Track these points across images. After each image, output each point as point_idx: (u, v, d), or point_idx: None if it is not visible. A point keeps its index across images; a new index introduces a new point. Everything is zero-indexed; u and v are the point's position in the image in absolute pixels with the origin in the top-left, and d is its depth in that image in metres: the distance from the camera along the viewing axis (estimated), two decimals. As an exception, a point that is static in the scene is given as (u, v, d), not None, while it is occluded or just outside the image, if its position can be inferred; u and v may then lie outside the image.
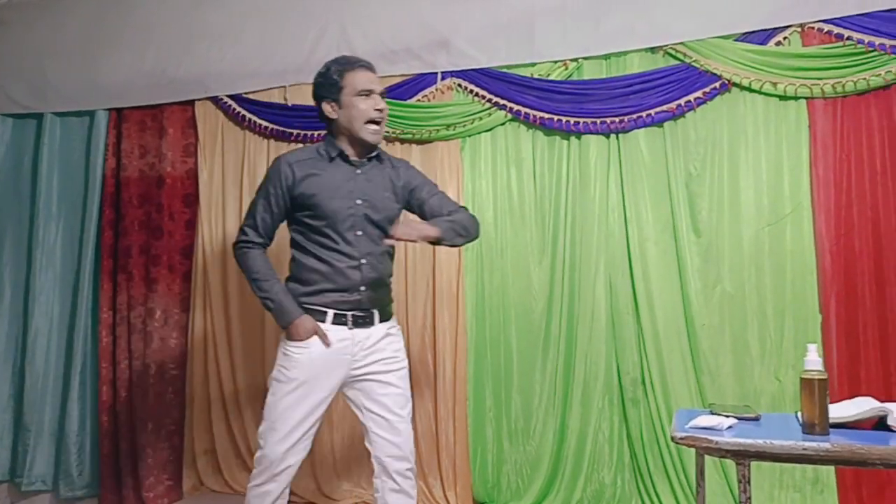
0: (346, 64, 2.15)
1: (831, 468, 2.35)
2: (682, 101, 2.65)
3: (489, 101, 2.89)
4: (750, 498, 1.16)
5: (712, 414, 1.32)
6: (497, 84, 2.88)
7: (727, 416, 1.31)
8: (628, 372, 2.70)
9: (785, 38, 2.55)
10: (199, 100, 3.31)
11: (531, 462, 2.81)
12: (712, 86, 2.61)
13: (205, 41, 3.30)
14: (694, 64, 2.63)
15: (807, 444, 1.14)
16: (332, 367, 2.09)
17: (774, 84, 2.53)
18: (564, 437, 2.76)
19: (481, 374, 2.90)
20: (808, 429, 1.21)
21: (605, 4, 2.76)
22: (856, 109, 2.47)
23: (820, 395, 1.20)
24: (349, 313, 2.10)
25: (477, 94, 2.92)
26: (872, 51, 2.41)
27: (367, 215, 2.13)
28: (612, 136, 2.78)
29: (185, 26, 3.35)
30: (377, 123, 2.13)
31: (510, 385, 2.87)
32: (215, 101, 3.29)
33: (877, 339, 2.40)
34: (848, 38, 2.45)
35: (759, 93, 2.57)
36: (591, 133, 2.79)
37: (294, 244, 2.18)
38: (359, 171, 2.16)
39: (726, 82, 2.60)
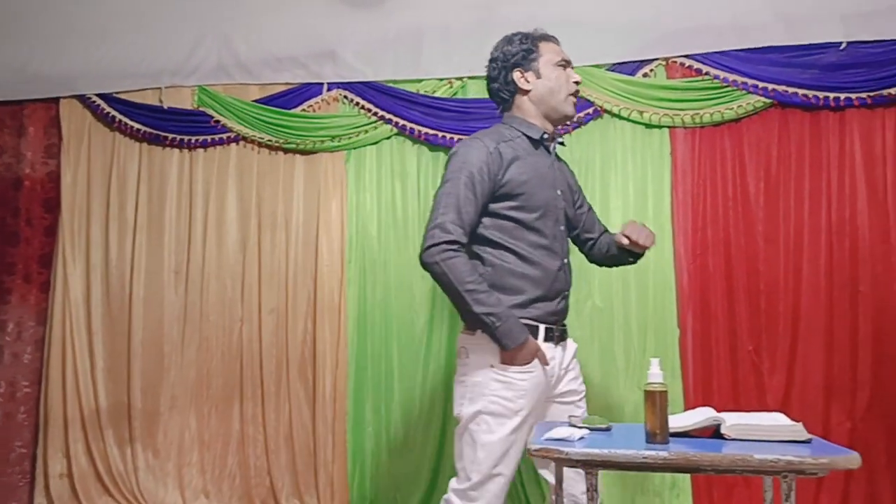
0: (537, 35, 1.95)
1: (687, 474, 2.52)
2: (559, 124, 2.78)
3: (375, 114, 2.90)
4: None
5: (570, 426, 1.39)
6: (383, 98, 2.90)
7: (580, 428, 1.38)
8: (505, 384, 2.77)
9: (651, 70, 2.74)
10: (64, 98, 3.10)
11: (410, 476, 2.80)
12: (586, 111, 2.75)
13: (73, 36, 3.10)
14: (570, 89, 2.77)
15: (647, 452, 1.22)
16: (545, 394, 1.80)
17: (641, 112, 2.70)
18: (443, 450, 2.78)
19: (362, 388, 2.87)
20: (651, 438, 1.29)
21: (490, 28, 2.82)
22: (712, 139, 2.68)
23: (661, 407, 1.28)
24: (555, 326, 1.83)
25: (363, 107, 2.92)
26: (727, 86, 2.64)
27: (563, 209, 1.91)
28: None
29: (51, 19, 3.13)
30: (574, 97, 1.93)
31: (391, 399, 2.86)
32: (82, 99, 3.09)
33: (727, 352, 2.61)
34: (706, 73, 2.66)
35: (628, 120, 2.73)
36: (474, 151, 2.86)
37: (488, 243, 1.81)
38: (552, 157, 1.93)
39: (599, 108, 2.75)
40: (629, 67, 2.75)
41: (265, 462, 2.91)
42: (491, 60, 1.97)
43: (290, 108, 2.97)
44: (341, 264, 2.91)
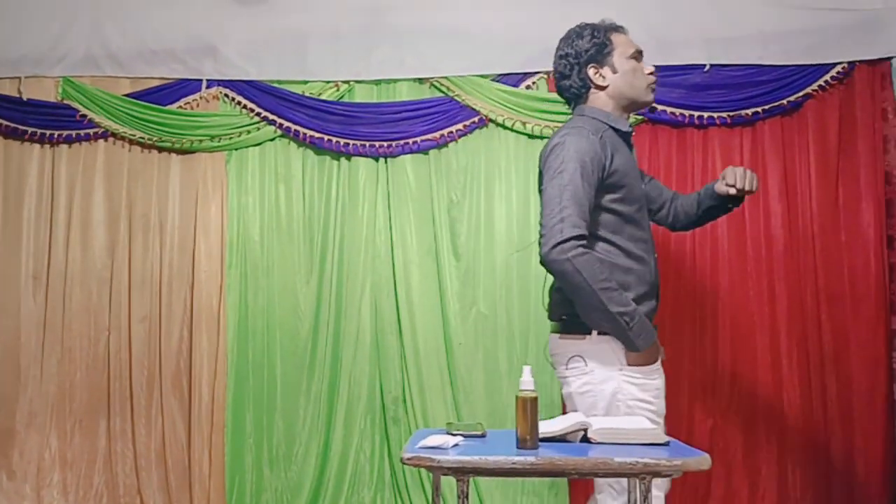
0: (607, 26, 1.85)
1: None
2: (445, 132, 2.81)
3: (258, 114, 2.81)
4: None
5: (448, 434, 1.40)
6: (267, 98, 2.81)
7: (455, 435, 1.40)
8: (390, 391, 2.76)
9: (534, 82, 2.82)
10: None
11: (292, 488, 2.73)
12: (472, 120, 2.80)
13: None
14: (456, 98, 2.80)
15: (516, 458, 1.25)
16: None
17: (524, 123, 2.77)
18: (327, 460, 2.73)
19: (242, 398, 2.77)
20: (521, 444, 1.32)
21: (377, 35, 2.83)
22: (590, 152, 2.80)
23: (531, 413, 1.32)
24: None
25: (245, 107, 2.82)
26: (603, 102, 2.76)
27: (647, 205, 1.87)
28: (381, 159, 2.84)
29: None
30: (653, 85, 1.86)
31: (273, 409, 2.77)
32: (-75, 87, 2.79)
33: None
34: (585, 89, 2.77)
35: (512, 130, 2.80)
36: (361, 155, 2.83)
37: (594, 237, 1.70)
38: (633, 149, 1.88)
39: (484, 118, 2.80)
40: (513, 79, 2.82)
41: (135, 480, 2.74)
42: (561, 57, 1.87)
43: (165, 105, 2.82)
44: (221, 270, 2.79)
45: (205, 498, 2.70)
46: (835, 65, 2.70)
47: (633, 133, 1.90)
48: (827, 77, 2.70)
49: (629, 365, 1.64)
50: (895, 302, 2.63)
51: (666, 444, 1.34)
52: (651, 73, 1.86)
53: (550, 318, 1.82)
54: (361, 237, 2.81)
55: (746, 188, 1.80)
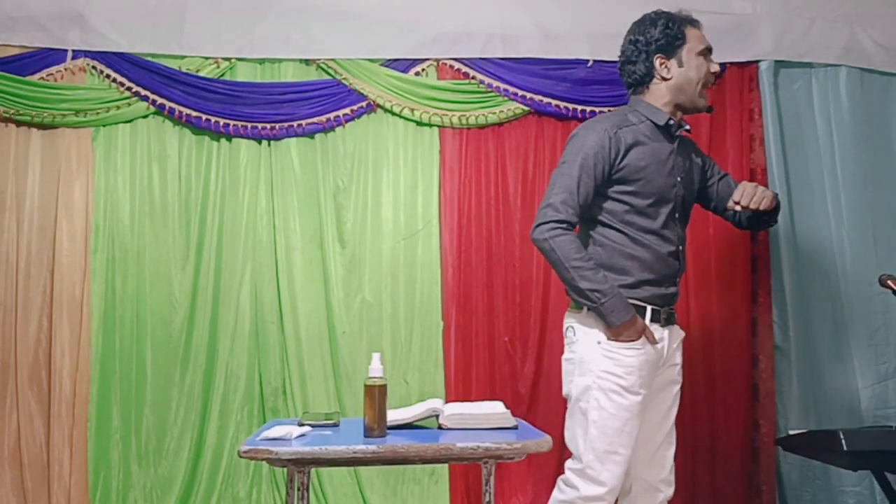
0: (683, 18, 1.87)
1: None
2: (332, 116, 2.74)
3: (129, 89, 2.64)
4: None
5: (297, 424, 1.36)
6: (139, 72, 2.65)
7: (304, 425, 1.36)
8: (270, 381, 2.67)
9: (423, 69, 2.79)
10: None
11: (163, 484, 2.60)
12: (359, 104, 2.74)
13: None
14: (344, 81, 2.74)
15: (357, 447, 1.23)
16: (653, 374, 1.81)
17: (412, 110, 2.74)
18: (200, 454, 2.62)
19: (108, 392, 2.60)
20: (369, 432, 1.31)
21: (262, 9, 2.72)
22: (477, 141, 2.81)
23: (380, 401, 1.30)
24: (663, 309, 1.83)
25: (115, 81, 2.65)
26: (491, 91, 2.77)
27: (684, 196, 1.89)
28: (264, 142, 2.74)
29: None
30: (707, 87, 1.88)
31: (142, 403, 2.63)
32: None
33: (486, 343, 2.75)
34: (473, 77, 2.78)
35: (400, 117, 2.76)
36: (242, 137, 2.72)
37: (599, 224, 1.85)
38: (674, 146, 1.89)
39: (372, 103, 2.75)
40: (402, 65, 2.78)
41: (-14, 481, 2.53)
42: (631, 42, 1.91)
43: (24, 75, 2.60)
44: (85, 254, 2.60)
45: (65, 497, 2.53)
46: (708, 65, 2.83)
47: (683, 129, 1.90)
48: (701, 77, 2.83)
49: (608, 340, 1.77)
50: (757, 291, 2.80)
51: (514, 427, 1.36)
52: (714, 74, 1.89)
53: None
54: (242, 222, 2.70)
55: (752, 206, 1.84)
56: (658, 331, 1.82)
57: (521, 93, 2.76)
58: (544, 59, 2.82)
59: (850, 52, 2.85)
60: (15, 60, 2.63)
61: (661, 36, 1.86)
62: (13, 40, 2.65)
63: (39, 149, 2.63)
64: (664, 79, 1.88)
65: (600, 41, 2.82)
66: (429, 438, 1.28)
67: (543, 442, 1.25)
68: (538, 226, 1.79)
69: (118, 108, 2.64)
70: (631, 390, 1.75)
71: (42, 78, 2.62)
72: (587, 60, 2.82)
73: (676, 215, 1.89)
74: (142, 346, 2.63)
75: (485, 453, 1.21)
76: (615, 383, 1.74)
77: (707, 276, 2.79)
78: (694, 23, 1.92)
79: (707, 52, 1.89)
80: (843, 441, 1.86)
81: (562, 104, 2.78)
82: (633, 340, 1.76)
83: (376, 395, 1.28)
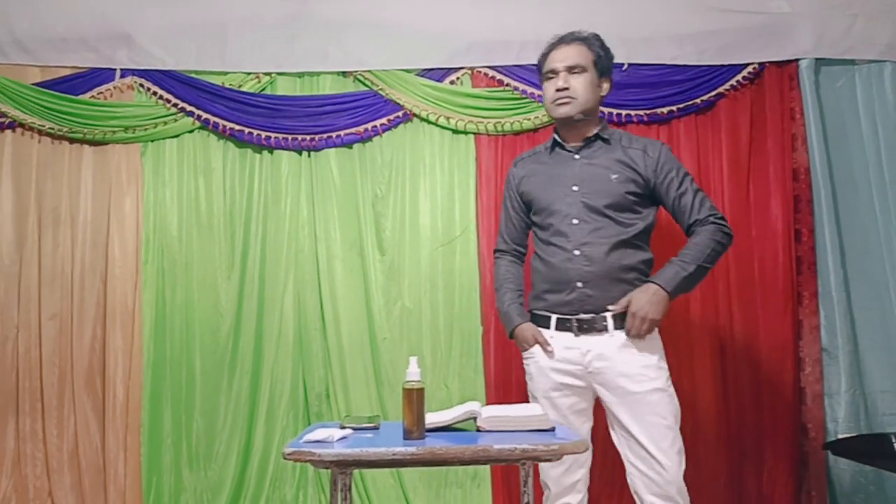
0: (546, 47, 2.06)
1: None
2: (369, 126, 2.79)
3: (175, 105, 2.73)
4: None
5: (339, 427, 1.39)
6: (184, 89, 2.74)
7: (345, 428, 1.39)
8: (314, 387, 2.73)
9: (458, 78, 2.83)
10: None
11: (212, 488, 2.68)
12: (396, 114, 2.79)
13: None
14: (380, 92, 2.79)
15: (396, 449, 1.25)
16: (564, 381, 1.89)
17: (448, 118, 2.78)
18: (248, 458, 2.68)
19: (159, 398, 2.69)
20: (408, 434, 1.33)
21: (300, 25, 2.79)
22: (513, 147, 2.82)
23: (418, 404, 1.33)
24: (573, 318, 1.88)
25: (161, 97, 2.74)
26: (525, 97, 2.79)
27: (584, 202, 1.93)
28: (304, 153, 2.81)
29: None
30: (566, 98, 1.96)
31: (192, 408, 2.71)
32: None
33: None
34: (507, 84, 2.80)
35: (436, 125, 2.80)
36: (283, 149, 2.79)
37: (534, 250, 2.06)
38: (577, 157, 2.00)
39: (408, 112, 2.79)
40: (437, 74, 2.82)
41: (46, 482, 2.64)
42: None
43: (76, 94, 2.71)
44: (136, 265, 2.70)
45: (120, 499, 2.62)
46: (746, 65, 2.80)
47: (580, 146, 2.01)
48: (739, 77, 2.80)
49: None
50: (802, 293, 2.75)
51: (552, 429, 1.37)
52: (558, 90, 1.99)
53: None
54: (284, 232, 2.77)
55: (631, 332, 1.84)
56: (567, 339, 1.89)
57: (556, 98, 2.77)
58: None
59: (894, 48, 2.78)
60: (67, 81, 2.75)
61: (537, 70, 2.10)
62: (65, 61, 2.77)
63: (91, 165, 2.75)
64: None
65: (634, 44, 2.82)
66: (467, 440, 1.30)
67: (580, 443, 1.26)
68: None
69: (165, 123, 2.74)
70: (534, 394, 1.96)
71: (93, 97, 2.74)
72: (621, 64, 2.81)
73: (575, 221, 1.93)
74: (191, 354, 2.72)
75: (522, 455, 1.23)
76: (529, 387, 2.00)
77: (750, 279, 2.76)
78: (551, 48, 2.06)
79: (551, 75, 2.02)
80: None
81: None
82: (524, 350, 1.96)
83: (414, 399, 1.31)
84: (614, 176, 1.94)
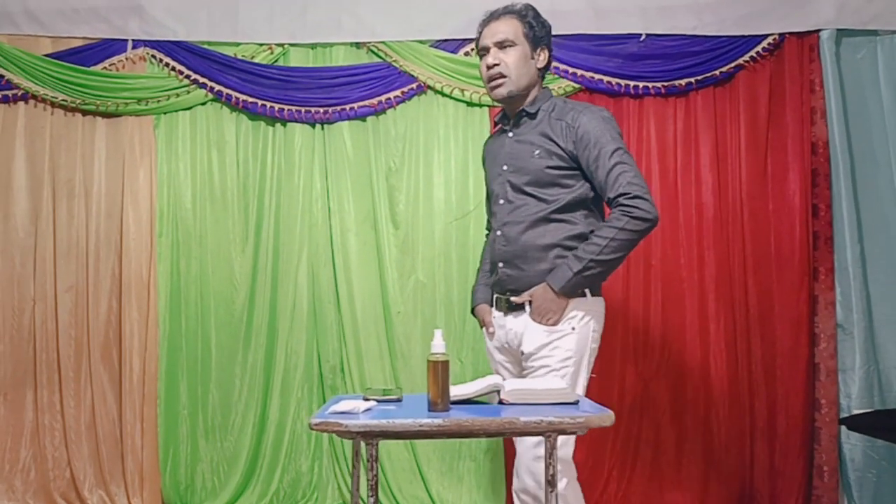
0: (480, 24, 1.99)
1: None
2: (383, 98, 2.76)
3: (188, 77, 2.71)
4: (377, 475, 1.24)
5: (362, 399, 1.40)
6: (197, 60, 2.72)
7: (369, 400, 1.40)
8: (328, 360, 2.74)
9: (472, 49, 2.78)
10: None
11: (228, 458, 2.71)
12: (410, 86, 2.76)
13: None
14: (394, 64, 2.75)
15: (423, 420, 1.26)
16: (500, 359, 1.94)
17: (462, 91, 2.75)
18: (264, 430, 2.71)
19: (175, 369, 2.71)
20: (433, 406, 1.34)
21: (313, -6, 2.76)
22: (528, 120, 2.79)
23: (442, 376, 1.33)
24: (502, 297, 1.91)
25: (174, 69, 2.72)
26: (541, 70, 2.75)
27: (510, 181, 1.91)
28: (318, 125, 2.79)
29: None
30: (497, 78, 1.89)
31: (208, 380, 2.73)
32: None
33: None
34: (523, 56, 2.75)
35: (450, 97, 2.77)
36: (297, 121, 2.77)
37: None
38: (510, 135, 1.97)
39: (422, 84, 2.76)
40: (451, 45, 2.78)
41: (65, 453, 2.68)
42: None
43: (88, 66, 2.70)
44: (150, 237, 2.71)
45: (138, 469, 2.66)
46: (766, 36, 2.75)
47: (513, 124, 1.96)
48: (758, 48, 2.75)
49: None
50: (818, 268, 2.73)
51: (575, 402, 1.38)
52: (489, 66, 1.92)
53: None
54: (298, 205, 2.77)
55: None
56: (499, 318, 1.92)
57: (571, 70, 2.74)
58: (594, 35, 2.78)
59: (919, 18, 2.73)
60: (79, 52, 2.73)
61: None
62: (77, 32, 2.74)
63: (104, 137, 2.74)
64: None
65: (652, 15, 2.77)
66: (492, 413, 1.31)
67: (606, 416, 1.26)
68: None
69: (178, 95, 2.72)
70: (493, 371, 1.96)
71: (105, 68, 2.72)
72: (639, 35, 2.77)
73: (501, 201, 1.93)
74: (206, 326, 2.73)
75: (548, 427, 1.23)
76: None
77: (766, 254, 2.74)
78: (483, 24, 1.98)
79: (483, 51, 1.95)
80: (912, 420, 1.82)
81: (613, 80, 2.74)
82: (483, 327, 1.99)
83: (439, 371, 1.31)
84: (536, 152, 1.88)
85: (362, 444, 1.30)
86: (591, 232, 1.83)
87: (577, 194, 1.86)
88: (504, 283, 1.88)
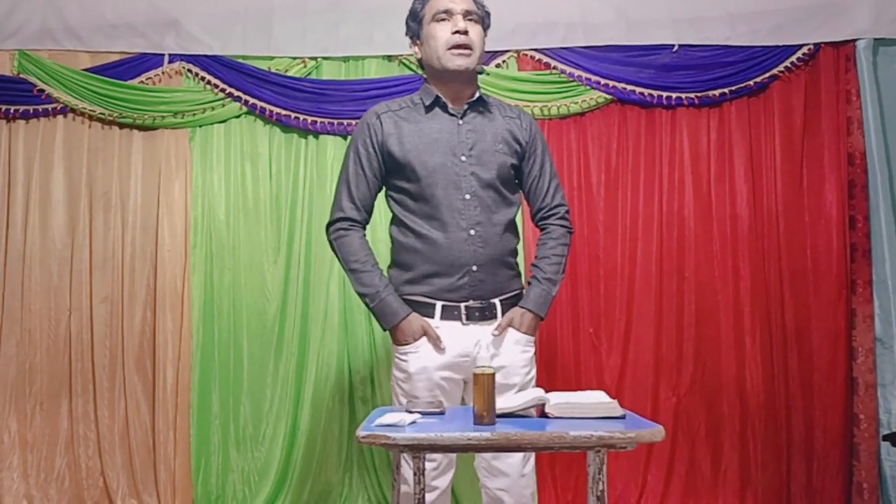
0: None
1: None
2: (414, 110, 2.77)
3: (222, 90, 2.75)
4: (423, 489, 1.24)
5: (406, 411, 1.39)
6: (231, 74, 2.75)
7: (413, 412, 1.39)
8: (359, 371, 2.74)
9: (504, 61, 2.80)
10: None
11: (259, 469, 2.71)
12: (441, 98, 2.77)
13: None
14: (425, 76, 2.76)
15: (471, 434, 1.24)
16: (446, 375, 1.69)
17: (494, 102, 2.75)
18: (295, 441, 2.71)
19: (208, 380, 2.73)
20: (479, 420, 1.32)
21: (345, 9, 2.78)
22: (559, 131, 2.79)
23: (489, 389, 1.32)
24: (462, 304, 1.69)
25: (209, 83, 2.76)
26: (572, 81, 2.75)
27: (475, 174, 1.72)
28: (349, 137, 2.80)
29: None
30: (464, 47, 1.71)
31: (239, 390, 2.74)
32: None
33: (570, 334, 2.73)
34: (554, 67, 2.76)
35: (482, 109, 2.77)
36: (329, 133, 2.79)
37: (392, 220, 1.81)
38: (461, 122, 1.77)
39: (454, 96, 2.77)
40: (483, 57, 2.78)
41: (98, 462, 2.70)
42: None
43: (126, 80, 2.74)
44: (185, 249, 2.73)
45: (170, 479, 2.67)
46: (800, 46, 2.73)
47: (464, 110, 1.79)
48: (793, 58, 2.72)
49: (393, 344, 1.74)
50: (855, 281, 2.69)
51: (622, 417, 1.36)
52: (457, 32, 1.72)
53: None
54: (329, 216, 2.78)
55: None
56: (454, 328, 1.69)
57: (603, 81, 2.73)
58: (626, 46, 2.77)
59: (957, 26, 2.69)
60: (116, 66, 2.78)
61: (409, 18, 1.84)
62: (114, 47, 2.79)
63: (141, 150, 2.78)
64: (420, 61, 1.86)
65: (684, 26, 2.76)
66: (539, 426, 1.29)
67: (657, 432, 1.24)
68: (326, 227, 1.82)
69: (213, 108, 2.75)
70: (409, 396, 1.65)
71: (141, 82, 2.76)
72: (671, 46, 2.76)
73: (466, 196, 1.72)
74: (238, 337, 2.75)
75: (598, 442, 1.22)
76: (400, 387, 1.72)
77: (802, 267, 2.70)
78: None
79: (445, 14, 1.75)
80: (959, 437, 1.77)
81: (646, 91, 2.73)
82: (408, 343, 1.68)
83: (485, 384, 1.30)
84: (500, 146, 1.77)
85: (402, 457, 1.29)
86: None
87: (519, 200, 1.84)
88: (473, 288, 1.70)
